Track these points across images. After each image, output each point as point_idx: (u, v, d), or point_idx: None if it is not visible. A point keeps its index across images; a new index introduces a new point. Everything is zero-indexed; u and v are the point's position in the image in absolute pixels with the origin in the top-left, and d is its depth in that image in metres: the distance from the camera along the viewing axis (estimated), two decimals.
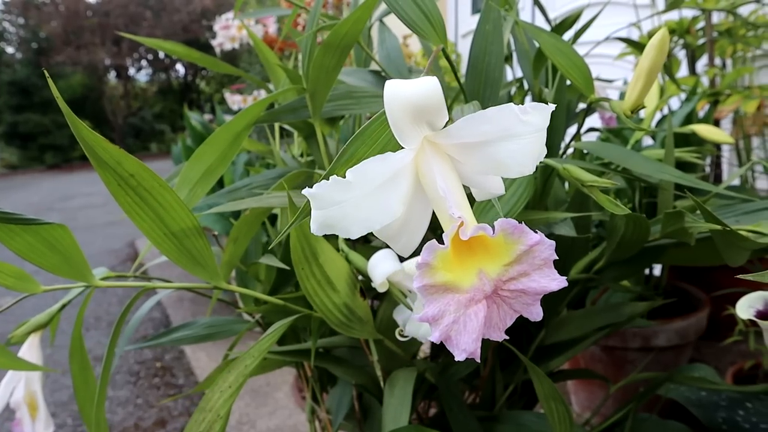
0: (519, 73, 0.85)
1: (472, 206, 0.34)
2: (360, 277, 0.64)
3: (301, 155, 0.98)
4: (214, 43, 2.25)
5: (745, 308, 0.58)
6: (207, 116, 3.31)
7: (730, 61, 1.59)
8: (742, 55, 1.57)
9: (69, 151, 10.52)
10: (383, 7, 0.89)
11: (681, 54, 1.63)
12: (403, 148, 0.34)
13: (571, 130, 0.82)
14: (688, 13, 1.55)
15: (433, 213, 0.36)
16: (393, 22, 0.74)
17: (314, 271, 0.56)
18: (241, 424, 1.61)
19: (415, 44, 2.92)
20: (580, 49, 0.64)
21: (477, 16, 3.16)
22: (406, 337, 0.60)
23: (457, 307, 0.30)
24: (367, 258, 0.60)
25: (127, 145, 12.12)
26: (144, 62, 13.87)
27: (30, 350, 0.60)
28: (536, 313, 0.31)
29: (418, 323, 0.58)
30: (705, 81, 1.51)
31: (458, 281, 0.30)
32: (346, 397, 0.78)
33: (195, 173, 0.63)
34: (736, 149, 1.53)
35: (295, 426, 1.59)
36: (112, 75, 13.46)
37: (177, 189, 0.63)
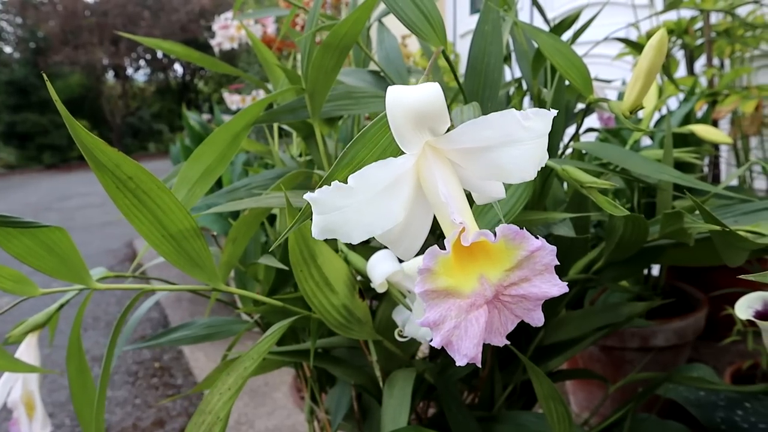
0: (518, 74, 0.85)
1: (471, 208, 0.34)
2: (359, 278, 0.64)
3: (300, 155, 0.98)
4: (213, 42, 2.25)
5: (744, 308, 0.59)
6: (205, 116, 3.30)
7: (728, 61, 1.59)
8: (740, 56, 1.57)
9: (67, 150, 10.51)
10: (382, 7, 0.89)
11: (679, 54, 1.63)
12: (403, 152, 0.34)
13: (570, 131, 0.82)
14: (686, 13, 1.55)
15: (434, 216, 0.36)
16: (392, 22, 0.74)
17: (312, 272, 0.56)
18: (240, 425, 1.61)
19: (413, 44, 2.92)
20: (579, 50, 0.64)
21: (475, 16, 3.17)
22: (405, 337, 0.60)
23: (458, 312, 0.30)
24: (367, 258, 0.60)
25: (125, 145, 12.11)
26: (142, 62, 13.85)
27: (28, 350, 0.60)
28: (537, 319, 0.31)
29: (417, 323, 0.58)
30: (703, 81, 1.51)
31: (459, 286, 0.31)
32: (345, 398, 0.77)
33: (194, 173, 0.63)
34: (734, 149, 1.53)
35: (293, 426, 1.59)
36: (110, 75, 13.45)
37: (176, 189, 0.63)
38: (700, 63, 1.60)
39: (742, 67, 1.55)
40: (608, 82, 1.10)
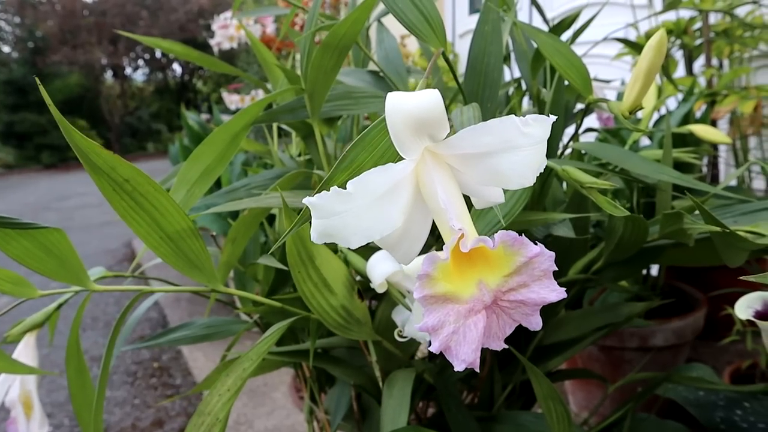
0: (517, 74, 0.85)
1: (470, 211, 0.34)
2: (358, 278, 0.64)
3: (299, 155, 0.98)
4: (212, 42, 2.25)
5: (744, 308, 0.59)
6: (204, 116, 3.30)
7: (726, 61, 1.60)
8: (739, 56, 1.58)
9: (65, 150, 10.48)
10: (381, 7, 0.89)
11: (678, 54, 1.63)
12: (402, 157, 0.34)
13: (569, 131, 0.82)
14: (685, 13, 1.55)
15: (433, 221, 0.36)
16: (391, 22, 0.74)
17: (311, 273, 0.56)
18: (239, 425, 1.61)
19: (412, 44, 2.92)
20: (578, 50, 0.64)
21: (474, 16, 3.17)
22: (404, 337, 0.60)
23: (456, 318, 0.30)
24: (366, 259, 0.60)
25: (124, 145, 12.09)
26: (141, 62, 13.83)
27: (26, 350, 0.60)
28: (535, 323, 0.31)
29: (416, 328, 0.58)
30: (702, 81, 1.51)
31: (458, 292, 0.31)
32: (344, 398, 0.77)
33: (193, 173, 0.63)
34: (733, 149, 1.53)
35: (292, 426, 1.59)
36: (108, 74, 13.43)
37: (175, 189, 0.63)
38: (698, 63, 1.61)
39: (740, 67, 1.55)
40: (607, 82, 1.10)
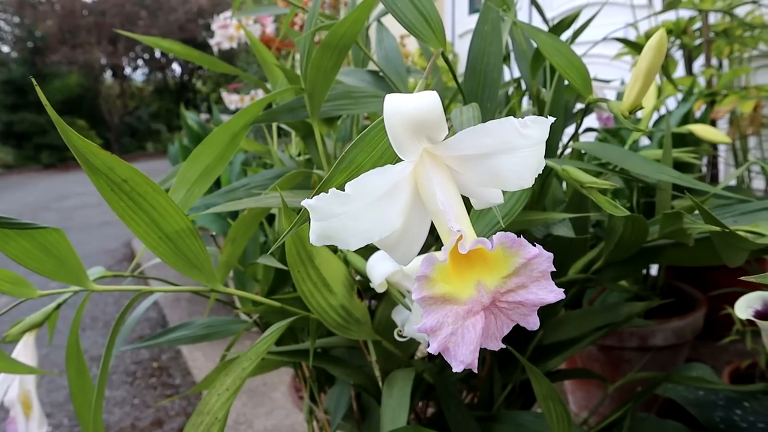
0: (517, 74, 0.85)
1: (470, 212, 0.34)
2: (358, 278, 0.64)
3: (299, 155, 0.98)
4: (212, 42, 2.25)
5: (744, 308, 0.59)
6: (204, 116, 3.30)
7: (726, 61, 1.60)
8: (738, 56, 1.58)
9: (65, 150, 10.45)
10: (381, 6, 0.89)
11: (678, 54, 1.63)
12: (401, 158, 0.34)
13: (569, 130, 0.82)
14: (684, 13, 1.55)
15: (432, 222, 0.36)
16: (391, 21, 0.74)
17: (310, 273, 0.56)
18: (238, 424, 1.60)
19: (412, 44, 2.92)
20: (577, 50, 0.63)
21: (474, 16, 3.16)
22: (404, 337, 0.60)
23: (455, 319, 0.30)
24: (366, 258, 0.60)
25: (123, 145, 12.09)
26: (140, 61, 13.83)
27: (25, 349, 0.59)
28: (533, 323, 0.31)
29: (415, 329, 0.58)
30: (701, 81, 1.51)
31: (457, 293, 0.31)
32: (344, 397, 0.77)
33: (192, 173, 0.63)
34: (733, 149, 1.53)
35: (292, 426, 1.58)
36: (108, 74, 13.42)
37: (174, 189, 0.63)
38: (698, 63, 1.61)
39: (740, 67, 1.55)
40: (607, 82, 1.10)
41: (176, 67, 14.06)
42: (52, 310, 0.60)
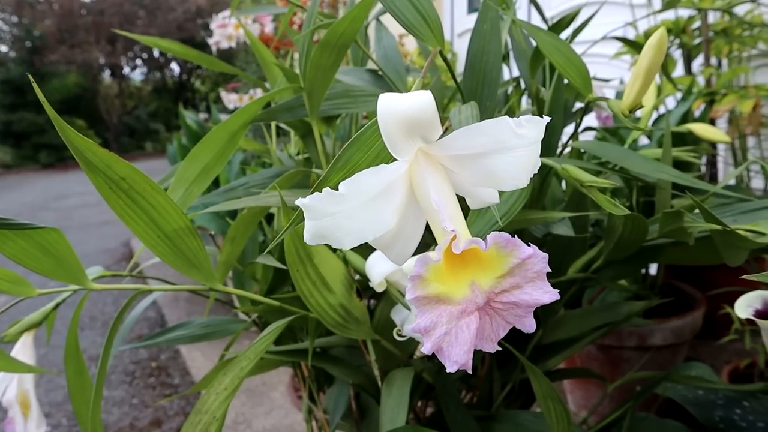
0: (516, 72, 0.85)
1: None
2: (357, 277, 0.63)
3: (298, 154, 0.97)
4: (211, 41, 2.25)
5: (744, 307, 0.59)
6: (202, 115, 3.30)
7: (725, 60, 1.60)
8: (737, 55, 1.58)
9: (63, 150, 10.44)
10: (380, 5, 0.89)
11: (677, 53, 1.63)
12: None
13: (568, 129, 0.82)
14: (684, 12, 1.55)
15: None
16: (390, 20, 0.73)
17: (309, 272, 0.56)
18: (237, 424, 1.60)
19: (410, 43, 2.92)
20: (576, 49, 0.63)
21: (473, 15, 3.16)
22: (403, 336, 0.60)
23: (449, 319, 0.30)
24: (365, 258, 0.60)
25: (122, 144, 12.08)
26: (139, 61, 13.81)
27: (23, 349, 0.59)
28: (529, 325, 0.31)
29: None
30: (701, 80, 1.51)
31: (451, 293, 0.31)
32: (343, 397, 0.77)
33: (191, 172, 0.63)
34: (732, 149, 1.53)
35: (291, 426, 1.58)
36: (106, 74, 13.40)
37: (173, 188, 0.62)
38: (697, 62, 1.60)
39: (739, 66, 1.55)
40: (606, 81, 1.10)
41: (175, 67, 14.05)
42: (51, 310, 0.60)
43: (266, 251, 0.46)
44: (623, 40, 1.08)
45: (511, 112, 0.84)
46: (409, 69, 0.93)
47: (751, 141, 1.59)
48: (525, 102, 0.98)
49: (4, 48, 12.01)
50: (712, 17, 1.54)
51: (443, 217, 0.31)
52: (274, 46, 2.11)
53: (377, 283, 0.57)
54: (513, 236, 0.30)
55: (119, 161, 0.45)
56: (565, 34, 0.85)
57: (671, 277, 1.45)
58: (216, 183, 2.04)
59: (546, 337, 0.76)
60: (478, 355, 0.73)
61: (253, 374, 0.69)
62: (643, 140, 1.38)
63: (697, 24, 1.51)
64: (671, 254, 0.73)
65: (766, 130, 1.49)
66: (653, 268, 1.35)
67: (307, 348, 0.67)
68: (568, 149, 0.76)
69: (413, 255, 0.38)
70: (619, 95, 1.38)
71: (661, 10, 1.25)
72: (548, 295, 0.30)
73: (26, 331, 0.60)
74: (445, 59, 0.56)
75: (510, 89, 0.92)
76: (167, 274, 0.70)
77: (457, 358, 0.30)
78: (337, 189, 0.31)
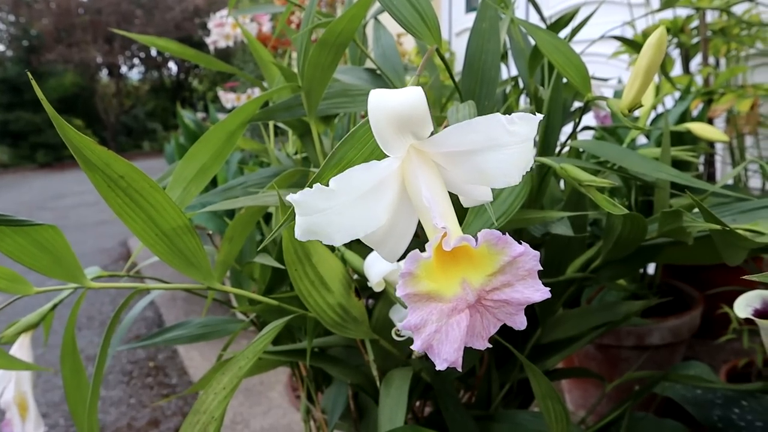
0: (514, 72, 0.84)
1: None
2: (356, 276, 0.63)
3: (296, 153, 0.97)
4: (208, 41, 2.24)
5: (743, 307, 0.59)
6: (200, 114, 3.29)
7: (723, 60, 1.60)
8: (735, 54, 1.58)
9: (60, 149, 10.43)
10: (378, 4, 0.88)
11: (675, 53, 1.63)
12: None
13: (567, 129, 0.81)
14: (682, 11, 1.55)
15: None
16: (388, 19, 0.73)
17: (307, 271, 0.55)
18: (235, 424, 1.60)
19: (409, 42, 2.91)
20: (574, 48, 0.63)
21: (471, 15, 3.15)
22: (402, 336, 0.59)
23: (439, 317, 0.30)
24: (363, 257, 0.60)
25: (119, 144, 12.04)
26: (136, 60, 13.78)
27: (20, 350, 0.59)
28: (520, 322, 0.31)
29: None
30: (699, 80, 1.51)
31: (441, 290, 0.31)
32: (341, 397, 0.77)
33: (189, 172, 0.63)
34: (730, 148, 1.53)
35: (289, 425, 1.58)
36: (104, 73, 13.36)
37: (171, 188, 0.62)
38: (695, 62, 1.61)
39: (737, 65, 1.55)
40: (604, 80, 1.10)
41: (172, 66, 14.02)
42: (48, 311, 0.60)
43: (260, 247, 0.45)
44: (621, 39, 1.07)
45: (509, 112, 0.84)
46: (407, 68, 0.93)
47: (748, 140, 1.60)
48: (523, 101, 0.98)
49: (0, 47, 11.98)
50: (710, 16, 1.54)
51: (434, 214, 0.31)
52: (272, 46, 2.10)
53: (376, 282, 0.57)
54: (504, 234, 0.30)
55: (118, 159, 0.45)
56: (563, 34, 0.85)
57: (669, 276, 1.45)
58: (214, 182, 2.04)
59: (544, 337, 0.76)
60: (477, 355, 0.72)
61: (252, 374, 0.69)
62: (641, 140, 1.38)
63: (695, 23, 1.51)
64: (670, 254, 0.73)
65: (763, 130, 1.50)
66: (651, 268, 1.35)
67: (305, 348, 0.67)
68: (566, 148, 0.76)
69: (407, 252, 0.38)
70: (617, 94, 1.38)
71: (659, 10, 1.25)
72: (539, 293, 0.30)
73: (23, 332, 0.59)
74: (442, 58, 0.56)
75: (508, 88, 0.92)
76: (164, 274, 0.70)
77: (447, 356, 0.30)
78: (328, 185, 0.31)
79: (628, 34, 2.01)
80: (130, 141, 12.52)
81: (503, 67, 0.94)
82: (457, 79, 0.62)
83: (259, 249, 0.50)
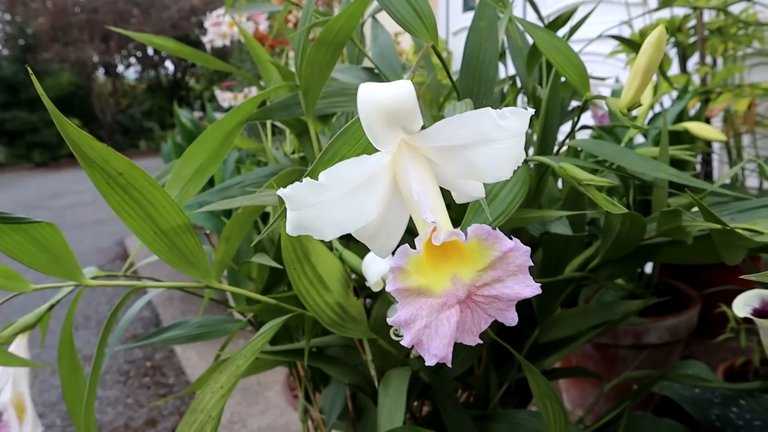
0: (512, 71, 0.84)
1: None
2: (354, 276, 0.63)
3: (293, 152, 0.97)
4: (205, 39, 2.24)
5: (742, 306, 0.59)
6: (197, 114, 3.28)
7: (721, 59, 1.60)
8: (733, 54, 1.58)
9: (57, 148, 10.41)
10: (376, 3, 0.88)
11: (672, 52, 1.63)
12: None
13: (565, 128, 0.81)
14: (679, 11, 1.55)
15: None
16: (386, 18, 0.73)
17: (306, 270, 0.55)
18: (233, 423, 1.60)
19: (406, 41, 2.91)
20: (572, 47, 0.63)
21: (468, 14, 3.15)
22: (400, 336, 0.59)
23: (429, 312, 0.30)
24: (362, 257, 0.60)
25: (116, 143, 12.01)
26: (133, 59, 13.75)
27: (17, 351, 0.59)
28: (511, 318, 0.31)
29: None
30: (696, 79, 1.51)
31: (432, 286, 0.30)
32: (339, 397, 0.77)
33: (186, 171, 0.62)
34: (727, 147, 1.53)
35: (286, 425, 1.58)
36: (100, 72, 13.33)
37: (168, 187, 0.62)
38: (693, 61, 1.61)
39: (734, 65, 1.55)
40: (602, 79, 1.10)
41: (169, 65, 13.99)
42: (45, 311, 0.59)
43: (254, 243, 0.45)
44: (619, 38, 1.08)
45: None
46: (405, 67, 0.93)
47: (746, 139, 1.60)
48: (521, 100, 0.98)
49: None
50: (708, 16, 1.54)
51: (424, 209, 0.31)
52: (269, 45, 2.10)
53: (374, 282, 0.57)
54: (494, 229, 0.30)
55: (117, 156, 0.44)
56: (560, 33, 0.85)
57: (666, 275, 1.45)
58: (211, 181, 2.03)
59: (542, 336, 0.76)
60: (475, 355, 0.72)
61: (249, 374, 0.69)
62: (639, 139, 1.38)
63: (692, 23, 1.51)
64: (668, 253, 0.73)
65: (760, 129, 1.50)
66: (649, 267, 1.35)
67: (303, 347, 0.67)
68: (564, 147, 0.76)
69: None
70: (615, 94, 1.38)
71: (657, 9, 1.25)
72: (530, 288, 0.30)
73: (20, 333, 0.59)
74: (440, 57, 0.56)
75: (506, 87, 0.92)
76: (162, 274, 0.70)
77: (436, 352, 0.30)
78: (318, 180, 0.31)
79: (626, 33, 2.01)
80: (126, 140, 12.49)
81: (501, 66, 0.94)
82: (454, 78, 0.62)
83: (252, 245, 0.50)
